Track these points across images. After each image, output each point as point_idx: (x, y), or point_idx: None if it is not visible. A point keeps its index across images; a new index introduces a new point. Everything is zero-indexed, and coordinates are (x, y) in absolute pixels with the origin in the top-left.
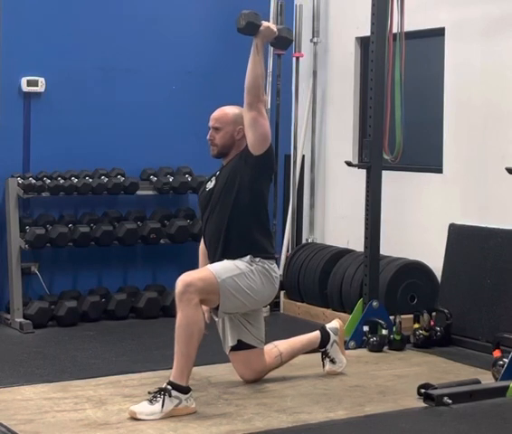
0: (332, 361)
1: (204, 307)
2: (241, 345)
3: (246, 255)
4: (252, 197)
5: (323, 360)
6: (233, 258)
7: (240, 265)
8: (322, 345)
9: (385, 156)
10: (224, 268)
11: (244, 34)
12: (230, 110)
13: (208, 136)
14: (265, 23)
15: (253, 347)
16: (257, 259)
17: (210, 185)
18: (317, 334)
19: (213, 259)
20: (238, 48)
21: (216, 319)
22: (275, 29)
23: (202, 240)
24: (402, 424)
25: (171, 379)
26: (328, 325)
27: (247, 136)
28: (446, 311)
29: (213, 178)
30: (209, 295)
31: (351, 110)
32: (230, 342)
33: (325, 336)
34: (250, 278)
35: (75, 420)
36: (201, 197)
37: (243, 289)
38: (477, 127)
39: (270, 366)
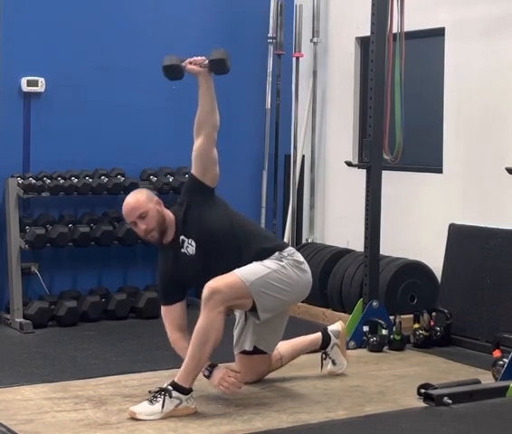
0: (333, 362)
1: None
2: (254, 351)
3: (273, 253)
4: (231, 224)
5: (322, 361)
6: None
7: (269, 264)
8: (323, 347)
9: (385, 156)
10: (252, 270)
11: (175, 78)
12: (138, 194)
13: (141, 230)
14: (187, 62)
15: (265, 353)
16: (285, 254)
17: (190, 252)
18: (318, 335)
19: None
20: (238, 48)
21: (258, 322)
22: (199, 60)
23: (174, 329)
24: (402, 424)
25: (175, 379)
26: (330, 328)
27: (213, 171)
28: (446, 311)
29: (185, 248)
30: (238, 300)
31: (351, 110)
32: (247, 346)
33: (326, 339)
34: (282, 274)
35: (75, 420)
36: (190, 275)
37: (277, 286)
38: (477, 127)
39: (271, 369)
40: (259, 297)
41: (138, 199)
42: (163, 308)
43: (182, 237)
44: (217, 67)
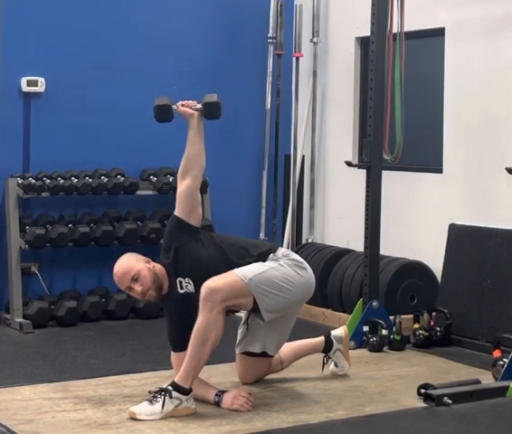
0: (335, 364)
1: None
2: (261, 354)
3: (267, 256)
4: (222, 251)
5: (324, 363)
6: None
7: (266, 263)
8: (325, 351)
9: (385, 156)
10: (250, 268)
11: (165, 120)
12: (126, 259)
13: (138, 293)
14: (179, 104)
15: (268, 356)
16: (279, 255)
17: (190, 291)
18: (321, 340)
19: None
20: (238, 48)
21: (262, 323)
22: (191, 103)
23: (177, 354)
24: (403, 424)
25: (175, 380)
26: (333, 333)
27: (198, 211)
28: (446, 311)
29: (184, 288)
30: (238, 299)
31: (351, 110)
32: (254, 348)
33: (328, 344)
34: (281, 272)
35: (75, 420)
36: (192, 314)
37: (277, 284)
38: (477, 128)
39: (271, 371)
40: (259, 295)
41: (128, 263)
42: (173, 355)
43: (179, 279)
44: (210, 111)
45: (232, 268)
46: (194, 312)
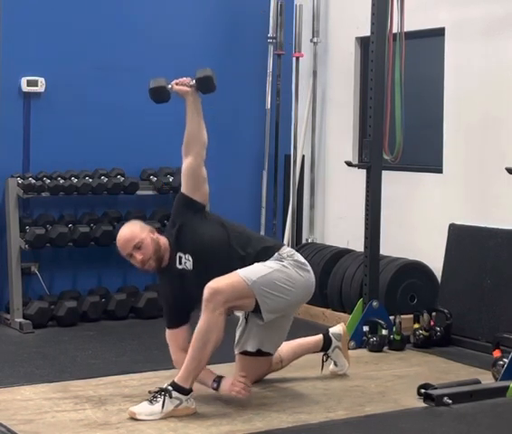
0: (334, 363)
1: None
2: (257, 353)
3: (273, 254)
4: (226, 233)
5: (323, 362)
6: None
7: (271, 264)
8: (323, 349)
9: (385, 156)
10: (253, 269)
11: (162, 101)
12: (131, 226)
13: (137, 261)
14: (173, 83)
15: (267, 355)
16: (284, 255)
17: (188, 267)
18: (319, 338)
19: None
20: (238, 48)
21: (261, 323)
22: (185, 81)
23: (178, 350)
24: (403, 424)
25: (175, 380)
26: (332, 330)
27: (203, 188)
28: (446, 311)
29: (182, 263)
30: (240, 300)
31: (351, 110)
32: (249, 347)
33: (327, 341)
34: (284, 273)
35: (75, 420)
36: (192, 291)
37: (280, 285)
38: (477, 127)
39: (271, 370)
40: (262, 297)
41: (132, 230)
42: (168, 332)
43: (179, 254)
44: (204, 85)
45: (231, 254)
46: (189, 290)
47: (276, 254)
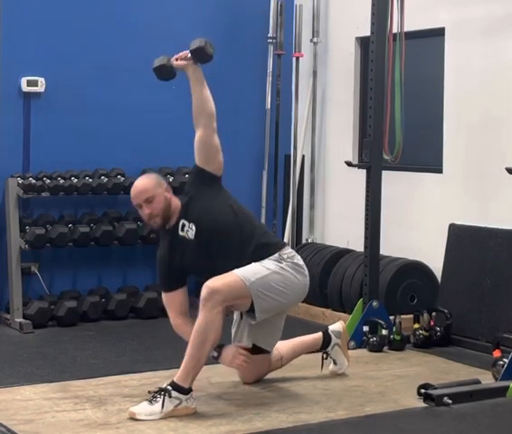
0: (334, 362)
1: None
2: (252, 349)
3: (274, 253)
4: (239, 210)
5: (323, 360)
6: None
7: (269, 265)
8: (323, 348)
9: (385, 156)
10: (252, 270)
11: (168, 78)
12: (148, 178)
13: (145, 213)
14: (173, 59)
15: (264, 352)
16: (285, 256)
17: (190, 237)
18: (319, 336)
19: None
20: (238, 48)
21: (253, 323)
22: (183, 55)
23: (176, 315)
24: (402, 424)
25: (175, 379)
26: (331, 328)
27: (216, 159)
28: (446, 311)
29: (181, 237)
30: (237, 300)
31: (351, 110)
32: (244, 343)
33: (327, 339)
34: (281, 276)
35: (75, 420)
36: (186, 260)
37: (276, 287)
38: (477, 127)
39: (271, 369)
40: (258, 298)
41: (147, 183)
42: (164, 295)
43: (182, 221)
44: (199, 56)
45: (234, 240)
46: (186, 258)
47: (277, 254)
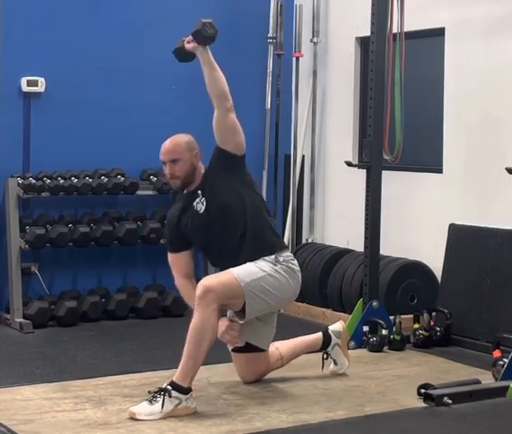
0: (334, 362)
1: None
2: (247, 348)
3: (271, 254)
4: (250, 200)
5: (323, 360)
6: (257, 258)
7: (264, 266)
8: (323, 347)
9: (385, 156)
10: (247, 271)
11: (186, 60)
12: (181, 139)
13: (167, 172)
14: (185, 42)
15: (259, 350)
16: (281, 259)
17: (199, 210)
18: (319, 336)
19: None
20: (238, 48)
21: (241, 322)
22: (190, 37)
23: (180, 276)
24: (402, 424)
25: (174, 379)
26: (331, 328)
27: (232, 140)
28: (446, 311)
29: (192, 206)
30: (231, 299)
31: (351, 110)
32: (239, 343)
33: (327, 339)
34: (274, 278)
35: (75, 420)
36: (192, 226)
37: (269, 290)
38: (477, 127)
39: (271, 368)
40: (250, 299)
41: (177, 145)
42: (169, 255)
43: (199, 191)
44: (199, 38)
45: (236, 230)
46: (191, 229)
47: (273, 256)
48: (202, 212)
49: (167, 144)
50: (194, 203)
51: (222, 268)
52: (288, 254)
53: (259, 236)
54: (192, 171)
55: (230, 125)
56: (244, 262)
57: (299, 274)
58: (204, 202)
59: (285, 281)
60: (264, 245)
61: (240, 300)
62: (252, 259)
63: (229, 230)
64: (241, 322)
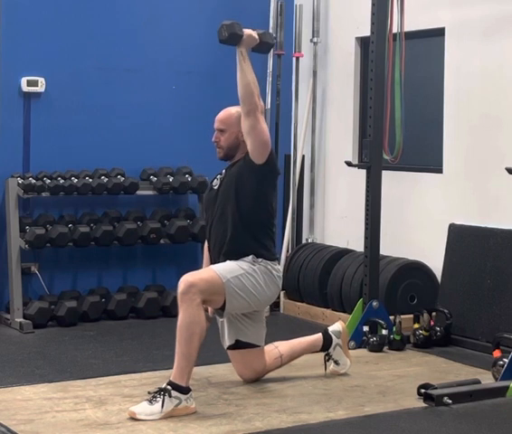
0: (335, 362)
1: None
2: (239, 345)
3: (248, 255)
4: (256, 203)
5: (325, 362)
6: (236, 259)
7: (243, 265)
8: (324, 348)
9: (385, 156)
10: (228, 268)
11: (227, 45)
12: (234, 111)
13: (213, 138)
14: (247, 32)
15: (252, 346)
16: (259, 260)
17: (215, 187)
18: (319, 336)
19: (217, 260)
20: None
21: (220, 320)
22: (257, 36)
23: (206, 241)
24: (402, 424)
25: (171, 379)
26: (331, 328)
27: (247, 145)
28: (446, 311)
29: (218, 179)
30: (213, 295)
31: (351, 110)
32: (227, 341)
33: (327, 340)
34: (253, 278)
35: (75, 420)
36: (206, 198)
37: (248, 289)
38: (477, 127)
39: (270, 367)
40: (230, 296)
41: (229, 116)
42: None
43: (228, 169)
44: (263, 49)
45: (234, 222)
46: (206, 199)
47: (251, 256)
48: (215, 188)
49: (221, 113)
50: (218, 176)
51: (212, 259)
52: (270, 260)
53: (251, 236)
54: (235, 145)
55: (245, 130)
56: (228, 259)
57: (279, 279)
58: (219, 182)
59: (263, 282)
60: (252, 246)
61: (220, 297)
62: (237, 256)
63: (222, 223)
64: (221, 319)
